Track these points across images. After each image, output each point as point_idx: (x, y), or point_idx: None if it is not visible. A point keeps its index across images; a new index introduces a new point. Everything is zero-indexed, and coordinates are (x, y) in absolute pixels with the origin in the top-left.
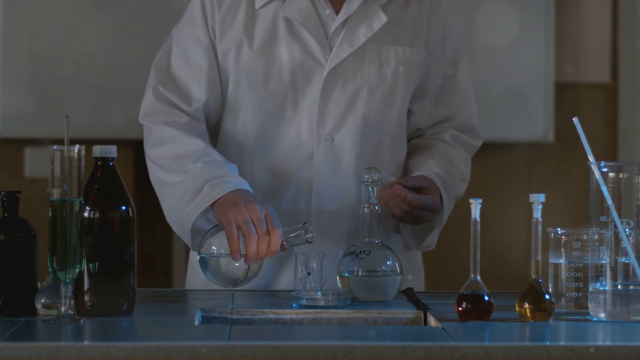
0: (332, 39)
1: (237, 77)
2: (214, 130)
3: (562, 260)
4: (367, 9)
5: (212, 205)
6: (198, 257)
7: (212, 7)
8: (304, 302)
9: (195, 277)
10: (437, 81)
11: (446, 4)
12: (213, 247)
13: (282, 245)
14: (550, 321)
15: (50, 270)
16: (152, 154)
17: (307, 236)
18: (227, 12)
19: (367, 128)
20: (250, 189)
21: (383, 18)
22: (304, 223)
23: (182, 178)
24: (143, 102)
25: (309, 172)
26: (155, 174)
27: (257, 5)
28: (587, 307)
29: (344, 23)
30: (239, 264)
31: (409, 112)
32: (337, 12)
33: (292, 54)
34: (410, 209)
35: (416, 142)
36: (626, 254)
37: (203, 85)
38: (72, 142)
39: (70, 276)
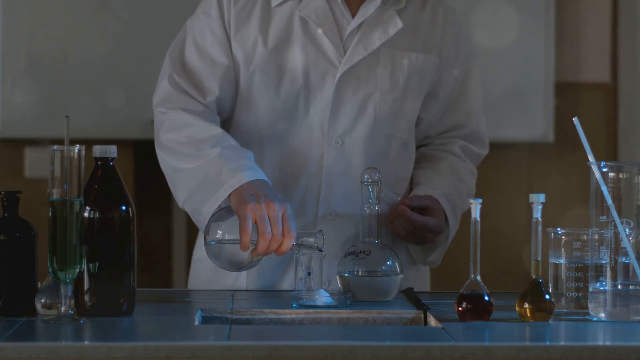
0: (347, 41)
1: (250, 75)
2: (224, 125)
3: (562, 260)
4: (383, 13)
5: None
6: (205, 240)
7: (228, 1)
8: (304, 302)
9: (199, 275)
10: (448, 89)
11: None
12: (220, 232)
13: (291, 247)
14: (550, 321)
15: (50, 270)
16: (166, 138)
17: (319, 244)
18: (243, 8)
19: (377, 132)
20: (267, 179)
21: (399, 23)
22: (320, 230)
23: (199, 163)
24: (158, 89)
25: (318, 173)
26: (167, 162)
27: (273, 3)
28: (587, 307)
29: (359, 26)
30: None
31: (418, 119)
32: (353, 15)
33: (306, 53)
34: (413, 229)
35: (425, 151)
36: (626, 254)
37: (217, 78)
38: (72, 142)
39: (70, 276)
